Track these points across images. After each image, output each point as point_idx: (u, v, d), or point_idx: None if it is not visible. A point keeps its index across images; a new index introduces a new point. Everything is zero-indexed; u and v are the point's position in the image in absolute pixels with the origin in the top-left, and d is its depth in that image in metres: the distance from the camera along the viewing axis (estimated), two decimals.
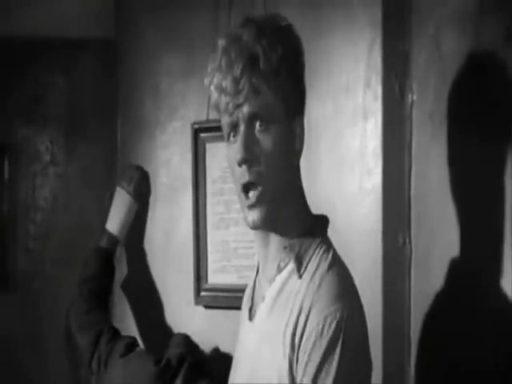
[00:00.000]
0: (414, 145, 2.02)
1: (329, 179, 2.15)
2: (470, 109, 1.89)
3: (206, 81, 1.53)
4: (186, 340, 2.46)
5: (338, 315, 1.43)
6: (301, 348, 1.45)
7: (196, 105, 2.61)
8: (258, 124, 1.49)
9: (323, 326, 1.43)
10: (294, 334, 1.46)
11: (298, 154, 1.56)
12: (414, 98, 2.03)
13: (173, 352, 2.36)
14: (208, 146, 2.57)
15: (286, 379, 1.46)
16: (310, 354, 1.43)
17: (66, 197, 2.93)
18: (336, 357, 1.41)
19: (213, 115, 2.52)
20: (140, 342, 2.61)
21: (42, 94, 2.90)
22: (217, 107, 1.53)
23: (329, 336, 1.42)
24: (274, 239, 1.55)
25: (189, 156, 2.61)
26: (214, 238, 2.57)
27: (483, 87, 1.86)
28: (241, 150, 1.49)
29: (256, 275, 1.66)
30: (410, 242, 2.02)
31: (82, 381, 2.79)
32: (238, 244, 2.49)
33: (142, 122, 2.80)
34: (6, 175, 2.89)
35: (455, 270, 1.88)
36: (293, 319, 1.47)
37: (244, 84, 1.47)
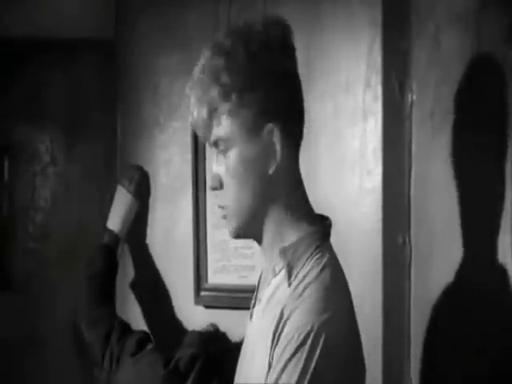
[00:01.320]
0: (413, 145, 2.02)
1: (329, 179, 2.15)
2: (470, 108, 1.89)
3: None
4: (200, 338, 2.43)
5: (308, 328, 1.42)
6: (274, 356, 1.45)
7: None
8: (221, 149, 1.56)
9: (292, 337, 1.43)
10: (272, 343, 1.47)
11: (271, 165, 1.55)
12: (414, 97, 2.02)
13: (184, 352, 2.33)
14: (208, 145, 2.56)
15: None
16: (275, 365, 1.43)
17: (66, 197, 2.92)
18: (298, 369, 1.40)
19: None
20: None
21: (41, 94, 2.90)
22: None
23: (295, 348, 1.42)
24: (269, 245, 1.56)
25: (189, 156, 2.61)
26: (213, 237, 2.56)
27: (483, 87, 1.86)
28: (211, 177, 1.59)
29: (261, 274, 1.66)
30: (409, 241, 2.02)
31: (94, 381, 2.77)
32: (238, 244, 2.49)
33: (141, 122, 2.80)
34: (6, 175, 2.88)
35: (455, 269, 1.88)
36: (273, 327, 1.47)
37: (206, 124, 1.56)
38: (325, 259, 1.52)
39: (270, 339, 1.47)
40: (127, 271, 2.84)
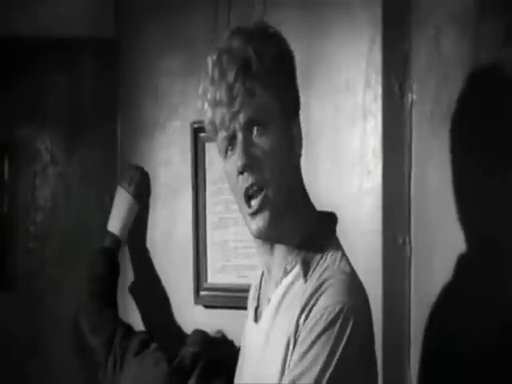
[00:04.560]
0: (413, 145, 2.02)
1: (329, 179, 2.15)
2: (470, 108, 1.89)
3: (200, 102, 1.54)
4: (203, 337, 2.43)
5: (337, 308, 1.41)
6: (299, 339, 1.43)
7: (196, 104, 2.60)
8: (255, 129, 1.48)
9: (321, 315, 1.41)
10: (295, 333, 1.45)
11: (297, 155, 1.55)
12: (414, 97, 2.02)
13: (187, 351, 2.34)
14: (208, 145, 2.57)
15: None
16: (303, 339, 1.42)
17: (66, 197, 2.92)
18: (328, 345, 1.39)
19: None
20: None
21: (42, 94, 2.90)
22: (212, 124, 1.51)
23: (325, 324, 1.40)
24: (284, 240, 1.53)
25: (188, 156, 2.61)
26: (213, 237, 2.57)
27: (483, 87, 1.86)
28: (241, 156, 1.47)
29: (262, 276, 1.65)
30: (409, 241, 2.02)
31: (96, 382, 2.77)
32: (238, 243, 2.49)
33: (141, 122, 2.80)
34: (6, 175, 2.89)
35: (455, 269, 1.88)
36: (295, 319, 1.46)
37: (238, 89, 1.46)
38: (339, 254, 1.52)
39: (293, 334, 1.44)
40: (127, 272, 2.84)
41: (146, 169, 2.77)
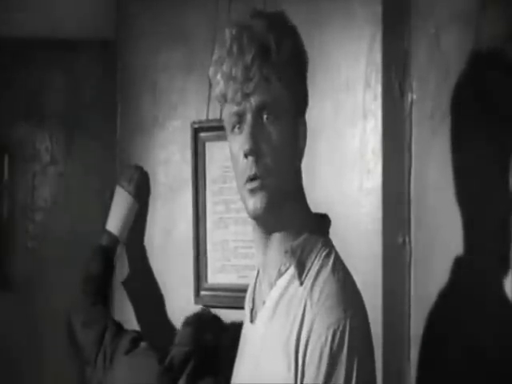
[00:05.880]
0: (413, 144, 2.02)
1: (329, 179, 2.14)
2: (471, 108, 1.89)
3: (212, 70, 1.50)
4: (194, 335, 2.41)
5: (340, 325, 1.41)
6: (306, 362, 1.43)
7: (195, 103, 2.61)
8: (265, 116, 1.47)
9: (326, 337, 1.41)
10: (297, 347, 1.44)
11: (300, 154, 1.54)
12: (414, 96, 2.02)
13: (178, 350, 2.33)
14: (208, 145, 2.56)
15: None
16: (317, 368, 1.41)
17: (65, 197, 2.92)
18: (342, 367, 1.40)
19: (213, 115, 2.52)
20: None
21: (41, 94, 2.90)
22: (223, 96, 1.49)
23: (334, 348, 1.40)
24: (275, 242, 1.53)
25: (188, 155, 2.61)
26: (213, 237, 2.56)
27: (484, 86, 1.85)
28: (248, 140, 1.46)
29: (257, 276, 1.63)
30: (409, 241, 2.02)
31: (87, 380, 2.77)
32: (238, 243, 2.49)
33: (141, 121, 2.80)
34: (6, 175, 2.89)
35: (455, 269, 1.88)
36: (295, 329, 1.45)
37: (255, 72, 1.44)
38: (333, 255, 1.52)
39: (294, 346, 1.44)
40: (128, 271, 2.84)
41: (146, 168, 2.76)
